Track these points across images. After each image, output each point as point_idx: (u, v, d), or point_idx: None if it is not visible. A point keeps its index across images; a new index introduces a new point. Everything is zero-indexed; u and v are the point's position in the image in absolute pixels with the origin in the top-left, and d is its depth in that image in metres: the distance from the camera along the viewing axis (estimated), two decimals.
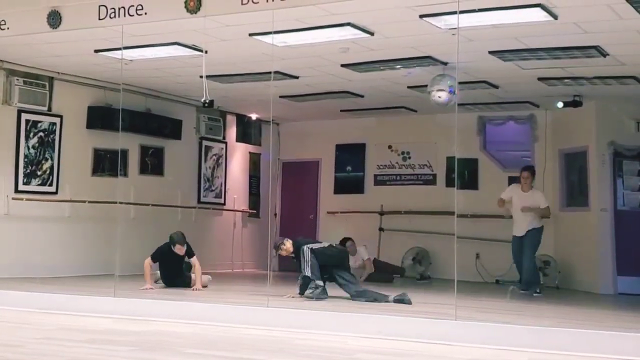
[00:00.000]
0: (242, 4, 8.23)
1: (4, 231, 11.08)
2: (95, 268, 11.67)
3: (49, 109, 11.68)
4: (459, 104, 10.07)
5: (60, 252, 11.71)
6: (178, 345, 6.16)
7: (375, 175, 14.96)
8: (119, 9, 8.90)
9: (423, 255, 13.86)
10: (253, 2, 8.15)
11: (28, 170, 11.44)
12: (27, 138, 11.44)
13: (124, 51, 9.70)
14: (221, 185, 14.74)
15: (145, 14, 8.79)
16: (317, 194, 15.59)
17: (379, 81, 11.49)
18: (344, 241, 12.05)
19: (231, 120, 14.93)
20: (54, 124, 11.77)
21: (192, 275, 10.36)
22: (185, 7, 8.53)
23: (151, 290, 9.77)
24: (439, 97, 10.51)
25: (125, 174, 12.59)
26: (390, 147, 14.82)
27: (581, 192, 12.56)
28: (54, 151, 11.77)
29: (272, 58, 9.57)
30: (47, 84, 11.61)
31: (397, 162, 14.77)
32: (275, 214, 15.76)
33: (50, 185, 11.72)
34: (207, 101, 9.61)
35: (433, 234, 13.64)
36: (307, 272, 9.11)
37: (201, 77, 9.68)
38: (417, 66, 10.44)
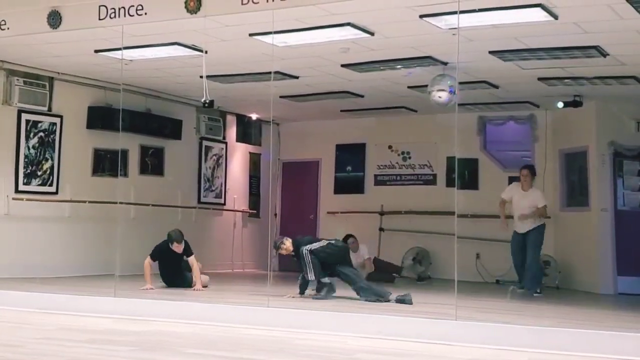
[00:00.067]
0: (242, 4, 8.23)
1: (4, 231, 11.09)
2: (95, 268, 11.67)
3: (49, 109, 11.68)
4: (459, 104, 10.07)
5: (60, 252, 11.71)
6: (178, 345, 6.16)
7: (376, 175, 14.97)
8: (119, 9, 8.90)
9: (423, 255, 13.86)
10: (253, 2, 8.15)
11: (28, 171, 11.44)
12: (27, 138, 11.44)
13: (124, 51, 9.70)
14: (221, 186, 14.74)
15: (146, 14, 8.79)
16: (317, 194, 15.59)
17: (379, 81, 11.49)
18: (346, 238, 12.06)
19: (231, 121, 14.93)
20: (54, 124, 11.78)
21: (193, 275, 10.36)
22: (186, 7, 8.53)
23: (151, 291, 9.77)
24: (439, 97, 10.51)
25: (125, 174, 12.59)
26: (390, 147, 14.82)
27: (581, 192, 12.56)
28: (54, 151, 11.78)
29: (272, 58, 9.57)
30: (47, 84, 11.61)
31: (397, 162, 14.77)
32: (276, 214, 15.76)
33: (51, 185, 11.72)
34: (207, 101, 9.61)
35: (433, 234, 13.64)
36: (311, 277, 9.14)
37: (201, 77, 9.68)
38: (418, 66, 10.44)
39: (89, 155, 12.28)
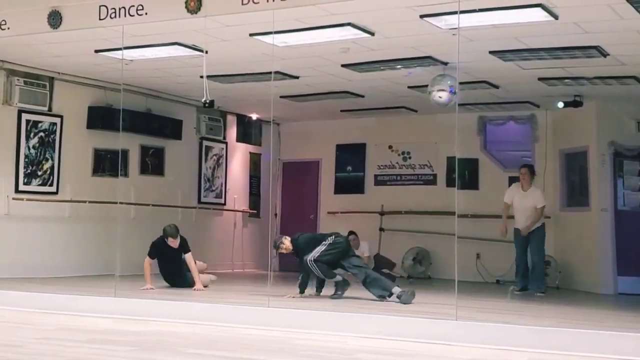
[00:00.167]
0: (242, 4, 8.23)
1: (4, 231, 11.09)
2: (95, 268, 11.67)
3: (50, 109, 11.68)
4: (459, 104, 10.08)
5: (60, 252, 11.72)
6: (178, 345, 6.16)
7: (376, 175, 14.97)
8: (120, 9, 8.90)
9: (423, 255, 13.87)
10: (253, 2, 8.15)
11: (28, 171, 11.45)
12: (27, 138, 11.45)
13: (125, 51, 9.70)
14: (221, 186, 14.74)
15: (146, 14, 8.79)
16: (318, 194, 15.59)
17: (379, 81, 11.49)
18: (347, 235, 12.05)
19: (231, 121, 14.94)
20: (55, 124, 11.78)
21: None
22: (186, 7, 8.53)
23: (151, 291, 9.77)
24: (440, 97, 10.52)
25: (125, 174, 12.59)
26: (390, 147, 14.83)
27: (581, 192, 12.56)
28: (54, 151, 11.78)
29: (273, 58, 9.57)
30: (47, 84, 11.62)
31: (397, 162, 14.77)
32: (276, 214, 15.76)
33: (51, 185, 11.72)
34: (208, 101, 9.61)
35: (433, 234, 13.64)
36: (329, 278, 9.21)
37: (202, 77, 9.68)
38: (418, 66, 10.44)
39: (89, 155, 12.29)
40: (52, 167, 11.75)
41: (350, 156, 15.27)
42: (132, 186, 12.64)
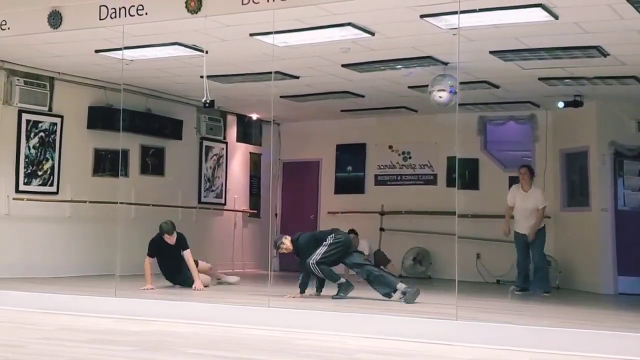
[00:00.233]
0: (242, 4, 8.23)
1: (4, 231, 11.09)
2: (95, 268, 11.68)
3: (50, 109, 11.68)
4: (459, 104, 10.07)
5: (60, 253, 11.72)
6: (179, 345, 6.16)
7: (376, 175, 14.97)
8: (120, 9, 8.90)
9: (424, 255, 13.87)
10: (254, 2, 8.15)
11: (29, 171, 11.45)
12: (27, 138, 11.45)
13: (125, 51, 9.70)
14: (222, 186, 14.75)
15: (146, 14, 8.79)
16: (318, 194, 15.59)
17: (379, 81, 11.49)
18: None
19: (232, 121, 14.94)
20: (55, 124, 11.78)
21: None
22: (186, 7, 8.53)
23: (151, 291, 9.77)
24: (440, 97, 10.52)
25: (125, 174, 12.59)
26: (390, 147, 14.83)
27: (582, 192, 12.57)
28: (54, 151, 11.78)
29: (273, 58, 9.57)
30: (47, 84, 11.62)
31: (397, 162, 14.77)
32: (276, 214, 15.76)
33: (51, 185, 11.72)
34: (208, 101, 9.61)
35: (434, 234, 13.65)
36: (333, 281, 9.21)
37: (202, 77, 9.68)
38: (418, 66, 10.44)
39: (89, 155, 12.29)
40: (52, 167, 11.75)
41: (351, 156, 15.27)
42: (133, 186, 12.64)
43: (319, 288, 9.41)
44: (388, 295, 9.01)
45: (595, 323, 7.67)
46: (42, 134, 11.62)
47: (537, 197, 11.09)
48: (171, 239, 10.18)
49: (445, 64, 10.24)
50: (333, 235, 9.43)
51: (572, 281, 12.27)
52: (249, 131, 15.30)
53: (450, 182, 13.84)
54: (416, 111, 13.97)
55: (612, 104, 12.13)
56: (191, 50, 9.97)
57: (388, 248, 13.97)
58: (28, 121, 11.45)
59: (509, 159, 13.98)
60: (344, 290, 9.20)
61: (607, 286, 11.80)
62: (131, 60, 10.35)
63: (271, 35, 8.93)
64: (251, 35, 9.19)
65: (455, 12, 7.76)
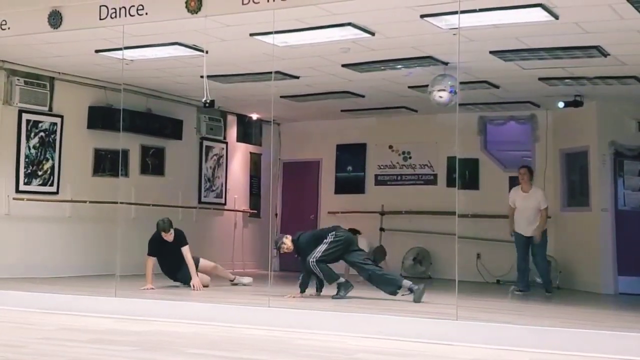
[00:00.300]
0: (242, 4, 8.23)
1: (5, 231, 11.09)
2: (96, 268, 11.68)
3: (50, 109, 11.69)
4: (459, 104, 10.07)
5: (61, 253, 11.72)
6: (179, 345, 6.16)
7: (376, 175, 14.97)
8: (120, 9, 8.90)
9: (424, 255, 13.87)
10: (254, 2, 8.15)
11: (29, 171, 11.45)
12: (28, 138, 11.45)
13: (125, 51, 9.70)
14: (222, 186, 14.75)
15: (146, 14, 8.79)
16: (318, 194, 15.59)
17: (379, 81, 11.49)
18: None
19: (232, 121, 14.94)
20: (55, 124, 11.78)
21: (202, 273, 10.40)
22: (186, 7, 8.53)
23: (152, 290, 9.77)
24: (440, 97, 10.52)
25: (126, 174, 12.60)
26: (391, 147, 14.83)
27: (582, 192, 12.57)
28: (54, 151, 11.78)
29: (273, 58, 9.57)
30: (47, 84, 11.62)
31: (397, 162, 14.77)
32: (276, 214, 15.76)
33: (51, 185, 11.72)
34: (208, 101, 9.60)
35: (434, 234, 13.65)
36: (329, 282, 9.20)
37: (202, 77, 9.68)
38: (418, 66, 10.44)
39: (89, 155, 12.29)
40: (52, 167, 11.75)
41: (351, 156, 15.27)
42: (133, 186, 12.64)
43: (319, 288, 9.41)
44: (394, 293, 9.03)
45: (595, 323, 7.67)
46: (42, 133, 11.62)
47: (537, 198, 11.09)
48: (169, 237, 10.18)
49: (446, 64, 10.24)
50: (334, 233, 9.41)
51: (573, 281, 12.27)
52: (249, 131, 15.30)
53: (450, 182, 13.84)
54: (416, 111, 13.97)
55: (612, 104, 12.13)
56: (191, 50, 9.97)
57: (388, 248, 13.93)
58: (28, 121, 11.45)
59: (509, 159, 13.98)
60: (344, 290, 9.19)
61: (608, 286, 11.81)
62: (131, 60, 10.35)
63: (271, 35, 8.93)
64: (251, 35, 9.19)
65: (455, 12, 7.76)
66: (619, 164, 12.25)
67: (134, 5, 8.82)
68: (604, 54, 9.37)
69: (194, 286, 10.06)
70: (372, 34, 8.96)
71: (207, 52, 9.70)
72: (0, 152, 11.15)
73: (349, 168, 15.29)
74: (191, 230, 11.74)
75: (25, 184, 11.38)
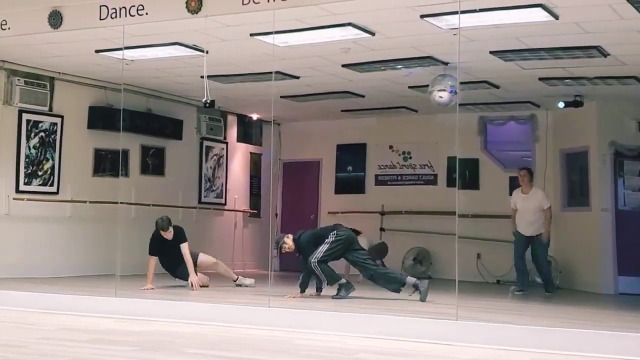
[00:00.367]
0: (243, 4, 8.23)
1: (5, 231, 11.09)
2: (96, 268, 11.68)
3: (50, 109, 11.69)
4: (460, 104, 10.07)
5: (61, 253, 11.72)
6: (179, 345, 6.16)
7: (376, 175, 14.97)
8: (120, 9, 8.90)
9: (424, 255, 13.86)
10: (254, 2, 8.16)
11: (29, 171, 11.45)
12: (28, 138, 11.45)
13: (125, 51, 9.70)
14: (222, 186, 14.75)
15: (147, 14, 8.79)
16: (318, 194, 15.59)
17: (379, 81, 11.49)
18: None
19: (232, 121, 14.94)
20: (55, 124, 11.78)
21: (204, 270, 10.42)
22: (187, 7, 8.53)
23: (152, 290, 9.77)
24: (440, 97, 10.52)
25: (126, 174, 12.60)
26: (391, 147, 14.83)
27: (582, 192, 12.57)
28: (55, 151, 11.78)
29: (273, 58, 9.57)
30: (48, 84, 11.62)
31: (398, 162, 14.77)
32: (276, 214, 15.77)
33: (51, 185, 11.72)
34: (208, 101, 9.60)
35: (434, 234, 13.64)
36: (327, 284, 9.19)
37: (202, 77, 9.68)
38: (418, 66, 10.44)
39: (89, 155, 12.29)
40: (52, 167, 11.75)
41: (351, 156, 15.27)
42: (133, 186, 12.64)
43: (319, 288, 9.41)
44: (397, 290, 9.10)
45: (596, 323, 7.67)
46: (42, 134, 11.62)
47: (538, 198, 11.11)
48: (168, 235, 10.19)
49: (446, 64, 10.24)
50: (335, 232, 9.40)
51: (573, 281, 12.27)
52: (249, 131, 15.30)
53: (450, 182, 13.84)
54: (416, 111, 13.97)
55: (612, 104, 12.13)
56: (191, 50, 9.97)
57: (388, 248, 13.97)
58: (28, 121, 11.45)
59: (509, 159, 13.98)
60: (345, 290, 9.19)
61: (608, 286, 11.81)
62: (131, 60, 10.35)
63: (271, 35, 8.93)
64: (251, 35, 9.19)
65: (455, 12, 7.76)
66: (619, 164, 12.25)
67: (134, 5, 8.82)
68: (604, 54, 9.37)
69: (191, 284, 10.06)
70: (372, 34, 8.96)
71: (207, 52, 9.70)
72: (0, 152, 11.16)
73: (349, 168, 15.29)
74: (191, 230, 11.74)
75: (25, 184, 11.39)
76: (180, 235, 10.27)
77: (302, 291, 9.29)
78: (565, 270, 12.38)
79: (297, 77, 11.40)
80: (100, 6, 9.00)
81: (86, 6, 9.10)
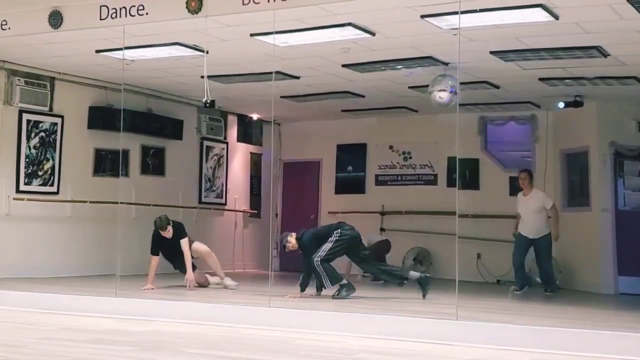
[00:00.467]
0: (243, 4, 8.24)
1: (5, 231, 11.09)
2: (96, 268, 11.68)
3: (50, 109, 11.69)
4: (460, 104, 10.08)
5: (61, 253, 11.72)
6: (179, 345, 6.16)
7: (377, 175, 14.97)
8: (120, 9, 8.90)
9: (424, 255, 13.86)
10: (254, 2, 8.16)
11: (29, 171, 11.45)
12: (28, 138, 11.45)
13: (125, 51, 9.71)
14: (222, 186, 14.75)
15: (147, 14, 8.79)
16: (318, 194, 15.59)
17: (380, 81, 11.49)
18: None
19: (232, 121, 14.94)
20: (55, 124, 11.78)
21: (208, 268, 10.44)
22: (187, 7, 8.53)
23: (152, 291, 9.77)
24: (440, 97, 10.52)
25: (126, 174, 12.60)
26: (391, 147, 14.83)
27: (582, 192, 12.57)
28: (55, 151, 11.78)
29: (273, 58, 9.57)
30: (48, 84, 11.62)
31: (398, 162, 14.77)
32: (276, 214, 15.77)
33: (52, 185, 11.72)
34: (209, 101, 9.61)
35: (434, 234, 13.65)
36: (327, 285, 9.20)
37: (202, 77, 9.68)
38: (418, 66, 10.44)
39: (90, 155, 12.29)
40: (52, 167, 11.75)
41: (351, 156, 15.27)
42: (133, 186, 12.64)
43: (320, 288, 9.41)
44: (401, 284, 9.44)
45: (596, 323, 7.67)
46: (42, 134, 11.62)
47: (539, 199, 11.12)
48: (167, 234, 10.19)
49: (446, 64, 10.24)
50: (339, 231, 9.39)
51: (573, 281, 12.27)
52: (249, 131, 15.30)
53: (450, 182, 13.83)
54: (417, 111, 13.97)
55: (613, 104, 12.13)
56: (192, 50, 9.97)
57: None
58: (29, 121, 11.45)
59: (509, 159, 13.99)
60: (345, 291, 9.20)
61: (608, 286, 11.81)
62: (132, 60, 10.35)
63: (272, 36, 8.93)
64: (252, 35, 9.19)
65: (455, 12, 7.76)
66: (619, 164, 12.25)
67: (134, 5, 8.83)
68: (604, 54, 9.37)
69: (187, 280, 10.06)
70: (373, 34, 8.96)
71: (207, 52, 9.70)
72: (0, 152, 11.16)
73: (349, 168, 15.29)
74: (191, 230, 11.70)
75: (25, 184, 11.39)
76: (180, 232, 10.28)
77: (302, 290, 9.28)
78: (566, 270, 12.38)
79: (297, 77, 11.40)
80: (101, 6, 9.00)
81: (86, 6, 9.10)
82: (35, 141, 11.53)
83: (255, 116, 15.12)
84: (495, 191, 13.44)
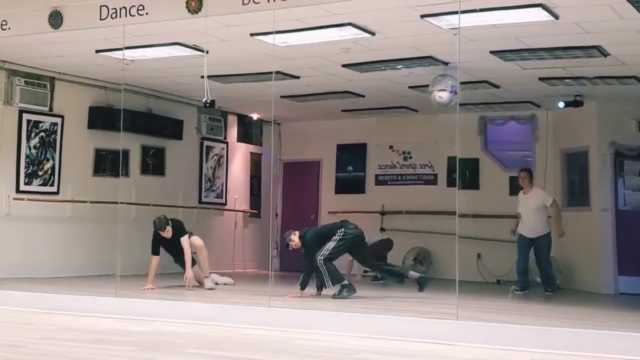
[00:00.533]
0: (243, 4, 8.24)
1: (5, 231, 11.09)
2: (96, 268, 11.68)
3: (50, 109, 11.69)
4: (460, 104, 10.07)
5: (61, 253, 11.72)
6: (179, 345, 6.16)
7: (377, 175, 14.97)
8: (120, 9, 8.90)
9: (424, 255, 13.86)
10: (254, 2, 8.16)
11: (29, 171, 11.45)
12: (28, 138, 11.45)
13: (125, 51, 9.70)
14: (222, 186, 14.75)
15: (147, 14, 8.79)
16: (318, 194, 15.59)
17: (380, 81, 11.49)
18: None
19: (232, 121, 14.94)
20: (55, 124, 11.78)
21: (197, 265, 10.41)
22: (187, 7, 8.53)
23: (152, 291, 9.77)
24: (440, 97, 10.52)
25: (126, 174, 12.60)
26: (391, 147, 14.83)
27: (582, 192, 12.56)
28: (55, 151, 11.78)
29: (273, 58, 9.57)
30: (48, 84, 11.62)
31: (398, 162, 14.77)
32: (277, 214, 15.77)
33: (52, 185, 11.72)
34: (209, 101, 9.61)
35: (434, 234, 13.64)
36: (329, 285, 9.21)
37: (202, 77, 9.68)
38: (418, 66, 10.44)
39: (90, 155, 12.29)
40: (53, 167, 11.75)
41: (351, 156, 15.27)
42: (133, 186, 12.64)
43: (320, 287, 9.41)
44: (401, 282, 9.73)
45: (596, 323, 7.67)
46: (42, 134, 11.62)
47: (538, 197, 11.12)
48: (167, 234, 10.19)
49: (446, 64, 10.24)
50: (342, 229, 9.39)
51: (573, 281, 12.27)
52: (249, 131, 15.31)
53: (450, 182, 13.83)
54: (417, 111, 13.97)
55: (613, 104, 12.13)
56: (192, 50, 9.97)
57: None
58: (29, 121, 11.45)
59: (509, 159, 13.98)
60: (346, 291, 9.19)
61: (608, 286, 11.81)
62: (132, 60, 10.35)
63: (272, 35, 8.93)
64: (252, 35, 9.20)
65: (455, 12, 7.76)
66: (619, 164, 12.25)
67: (134, 6, 8.83)
68: (604, 54, 9.37)
69: (186, 279, 10.06)
70: (373, 34, 8.96)
71: (207, 52, 9.70)
72: (0, 152, 11.16)
73: (350, 168, 15.29)
74: (191, 230, 11.72)
75: (25, 184, 11.39)
76: (180, 230, 10.27)
77: (302, 289, 9.28)
78: (566, 270, 12.38)
79: (297, 77, 11.40)
80: (101, 6, 9.00)
81: (86, 6, 9.10)
82: (35, 141, 11.53)
83: (255, 116, 15.12)
84: (495, 191, 13.44)
